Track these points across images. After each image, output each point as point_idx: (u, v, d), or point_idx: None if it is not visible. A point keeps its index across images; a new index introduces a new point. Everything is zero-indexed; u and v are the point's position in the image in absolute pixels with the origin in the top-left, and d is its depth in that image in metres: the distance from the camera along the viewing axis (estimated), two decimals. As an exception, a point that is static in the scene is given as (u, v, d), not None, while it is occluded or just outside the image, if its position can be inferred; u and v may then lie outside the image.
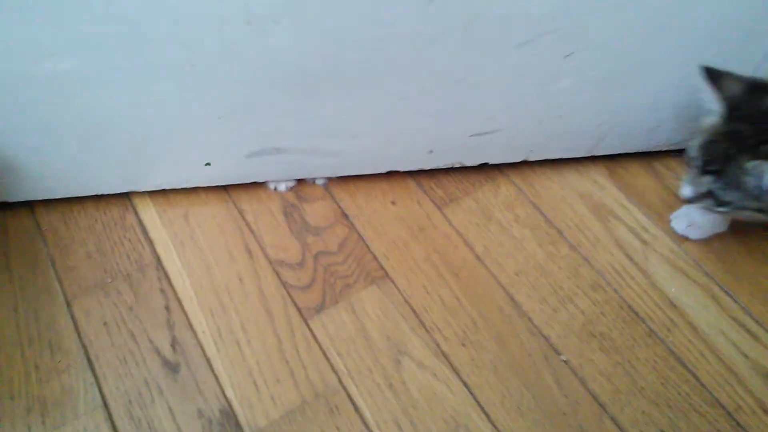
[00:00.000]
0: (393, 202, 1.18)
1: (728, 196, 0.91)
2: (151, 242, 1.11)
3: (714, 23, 0.97)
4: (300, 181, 1.20)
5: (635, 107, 1.11)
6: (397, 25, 0.91)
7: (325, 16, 0.89)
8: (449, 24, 0.92)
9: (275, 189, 1.19)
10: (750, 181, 0.87)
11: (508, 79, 1.03)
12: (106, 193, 1.16)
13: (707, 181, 0.93)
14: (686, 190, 0.97)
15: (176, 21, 0.86)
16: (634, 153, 1.22)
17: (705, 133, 0.93)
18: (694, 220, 1.11)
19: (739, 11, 0.96)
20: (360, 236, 1.13)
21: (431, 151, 1.16)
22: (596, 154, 1.22)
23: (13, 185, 1.12)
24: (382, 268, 1.09)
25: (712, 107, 0.92)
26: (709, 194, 0.93)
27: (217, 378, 0.97)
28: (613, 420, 0.94)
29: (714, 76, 0.91)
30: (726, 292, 1.06)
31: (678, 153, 1.22)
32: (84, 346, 0.99)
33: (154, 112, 1.00)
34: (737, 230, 1.11)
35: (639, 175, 1.21)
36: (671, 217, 1.14)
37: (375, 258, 1.10)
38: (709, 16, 0.96)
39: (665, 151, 1.23)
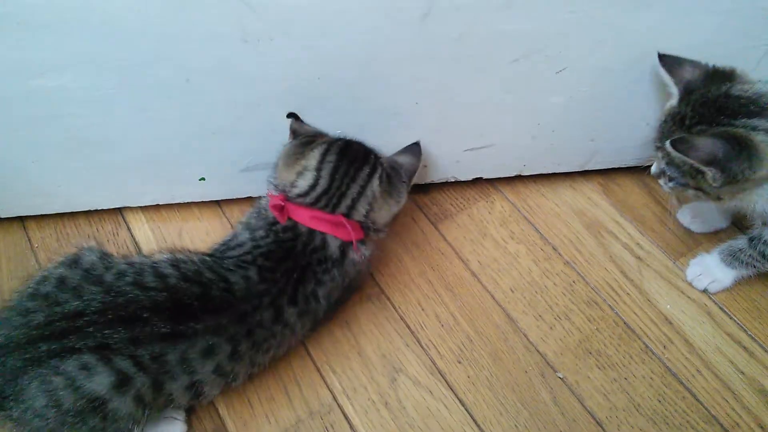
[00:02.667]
0: (388, 218, 1.17)
1: (670, 171, 0.95)
2: (144, 259, 1.10)
3: (701, 43, 0.98)
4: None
5: (627, 122, 1.12)
6: (391, 42, 0.92)
7: (319, 34, 0.89)
8: (442, 41, 0.93)
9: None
10: (675, 157, 0.90)
11: (501, 94, 1.03)
12: (99, 208, 1.16)
13: (660, 158, 0.97)
14: (653, 167, 1.01)
15: (171, 39, 0.86)
16: (626, 168, 1.23)
17: (662, 114, 0.97)
18: (696, 213, 1.13)
19: (726, 29, 0.97)
20: (355, 252, 1.13)
21: (425, 166, 1.16)
22: (589, 168, 1.22)
23: (4, 200, 1.11)
24: (377, 284, 1.09)
25: (673, 91, 0.96)
26: (663, 171, 0.98)
27: (210, 396, 0.96)
28: (610, 437, 0.93)
29: (669, 62, 0.96)
30: (721, 308, 1.06)
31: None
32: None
33: (148, 128, 1.00)
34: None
35: (632, 191, 1.22)
36: (678, 211, 1.15)
37: (370, 274, 1.10)
38: (695, 34, 0.97)
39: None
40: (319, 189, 0.92)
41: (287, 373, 0.98)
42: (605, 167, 1.23)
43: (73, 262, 0.87)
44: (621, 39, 0.97)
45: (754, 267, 1.02)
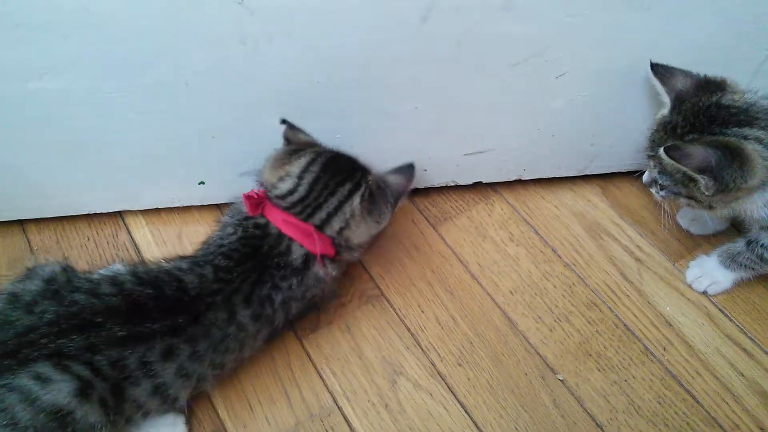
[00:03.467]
0: (387, 221, 1.17)
1: (662, 180, 0.95)
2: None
3: (700, 48, 0.98)
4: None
5: (627, 126, 1.12)
6: (391, 44, 0.92)
7: (318, 35, 0.89)
8: (441, 44, 0.93)
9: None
10: (668, 165, 0.91)
11: (501, 98, 1.03)
12: (98, 211, 1.16)
13: (652, 167, 0.98)
14: (645, 176, 1.02)
15: (170, 41, 0.87)
16: (626, 171, 1.23)
17: (654, 123, 0.98)
18: (696, 215, 1.13)
19: (728, 32, 0.97)
20: (354, 255, 1.13)
21: (425, 170, 1.16)
22: (589, 173, 1.22)
23: (3, 203, 1.11)
24: (377, 286, 1.09)
25: (664, 100, 0.98)
26: (655, 180, 0.98)
27: (210, 399, 0.96)
28: (611, 440, 0.93)
29: (661, 71, 0.97)
30: (721, 310, 1.06)
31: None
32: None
33: (147, 131, 1.00)
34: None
35: (631, 194, 1.22)
36: (678, 213, 1.16)
37: (370, 277, 1.10)
38: (696, 38, 0.97)
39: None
40: (296, 195, 0.92)
41: (287, 375, 0.98)
42: (605, 171, 1.23)
43: (27, 277, 0.87)
44: (620, 43, 0.97)
45: (753, 269, 1.02)
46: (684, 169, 0.87)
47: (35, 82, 0.89)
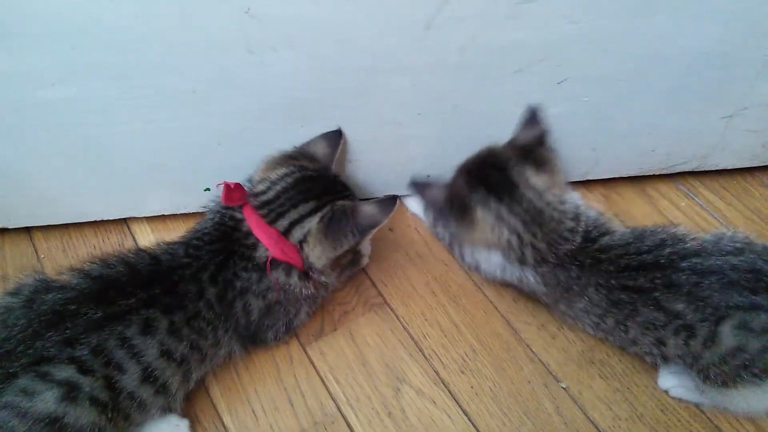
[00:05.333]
0: (390, 229, 1.18)
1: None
2: (148, 268, 1.11)
3: (702, 52, 0.99)
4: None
5: (628, 132, 1.12)
6: (395, 52, 0.93)
7: (323, 44, 0.90)
8: (444, 52, 0.93)
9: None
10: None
11: (503, 105, 1.04)
12: (104, 219, 1.16)
13: None
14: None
15: (177, 49, 0.87)
16: (628, 177, 1.23)
17: None
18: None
19: (728, 38, 0.98)
20: (358, 262, 1.13)
21: (428, 176, 1.17)
22: (591, 178, 1.23)
23: (11, 211, 1.12)
24: (380, 294, 1.09)
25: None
26: None
27: (215, 406, 0.96)
28: (614, 448, 0.93)
29: (419, 187, 1.05)
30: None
31: (669, 177, 1.24)
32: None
33: (153, 138, 1.01)
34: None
35: (633, 201, 1.22)
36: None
37: (373, 285, 1.10)
38: (697, 44, 0.98)
39: (657, 176, 1.24)
40: (264, 197, 0.94)
41: (291, 382, 0.99)
42: (607, 177, 1.23)
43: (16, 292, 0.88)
44: (622, 49, 0.97)
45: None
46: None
47: (44, 91, 0.90)
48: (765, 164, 1.24)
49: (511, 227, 0.92)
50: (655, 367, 0.98)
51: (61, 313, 0.82)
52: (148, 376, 0.84)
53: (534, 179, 0.93)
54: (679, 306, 0.86)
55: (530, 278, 0.96)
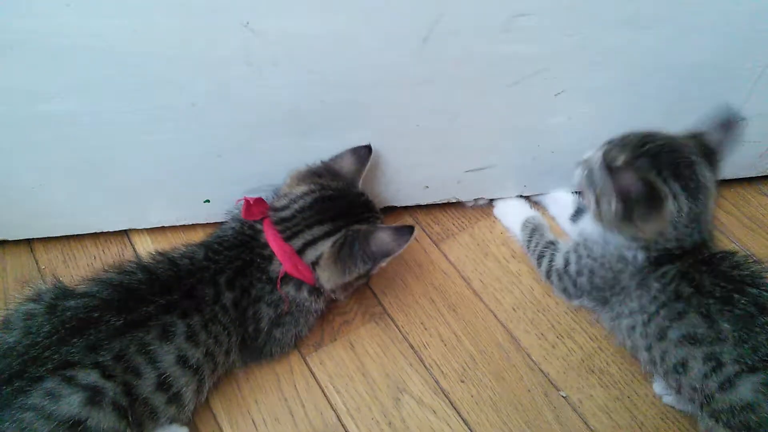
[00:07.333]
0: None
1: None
2: (149, 280, 1.11)
3: (698, 64, 0.99)
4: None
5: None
6: (392, 65, 0.93)
7: (322, 58, 0.91)
8: (442, 64, 0.94)
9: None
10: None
11: (502, 116, 1.05)
12: (105, 230, 1.17)
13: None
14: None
15: (177, 62, 0.88)
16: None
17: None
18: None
19: (725, 49, 0.99)
20: (358, 272, 1.13)
21: (427, 187, 1.17)
22: (590, 189, 1.23)
23: (12, 223, 1.13)
24: (380, 304, 1.10)
25: None
26: None
27: (215, 416, 0.97)
28: (614, 456, 0.94)
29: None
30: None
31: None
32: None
33: (153, 151, 1.01)
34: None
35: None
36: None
37: (373, 294, 1.11)
38: (693, 56, 0.98)
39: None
40: (282, 214, 0.96)
41: (291, 392, 0.99)
42: (605, 186, 1.24)
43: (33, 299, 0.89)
44: (619, 60, 0.98)
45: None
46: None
47: (44, 105, 0.91)
48: (762, 174, 1.25)
49: (683, 225, 0.89)
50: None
51: (86, 320, 0.83)
52: (162, 383, 0.85)
53: (711, 184, 0.90)
54: (725, 326, 0.84)
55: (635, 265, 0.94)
